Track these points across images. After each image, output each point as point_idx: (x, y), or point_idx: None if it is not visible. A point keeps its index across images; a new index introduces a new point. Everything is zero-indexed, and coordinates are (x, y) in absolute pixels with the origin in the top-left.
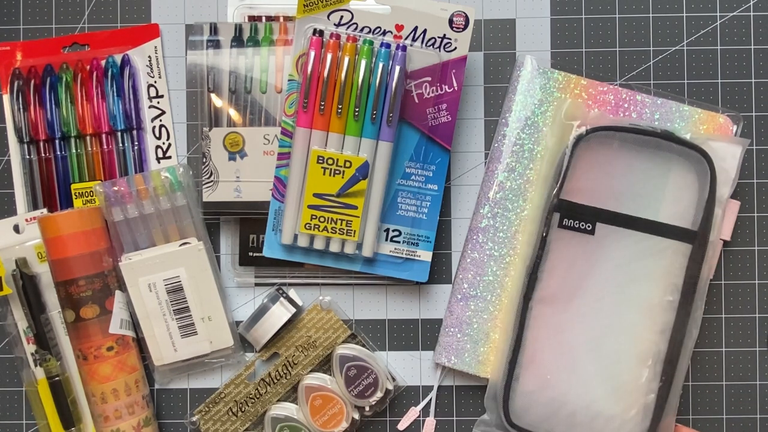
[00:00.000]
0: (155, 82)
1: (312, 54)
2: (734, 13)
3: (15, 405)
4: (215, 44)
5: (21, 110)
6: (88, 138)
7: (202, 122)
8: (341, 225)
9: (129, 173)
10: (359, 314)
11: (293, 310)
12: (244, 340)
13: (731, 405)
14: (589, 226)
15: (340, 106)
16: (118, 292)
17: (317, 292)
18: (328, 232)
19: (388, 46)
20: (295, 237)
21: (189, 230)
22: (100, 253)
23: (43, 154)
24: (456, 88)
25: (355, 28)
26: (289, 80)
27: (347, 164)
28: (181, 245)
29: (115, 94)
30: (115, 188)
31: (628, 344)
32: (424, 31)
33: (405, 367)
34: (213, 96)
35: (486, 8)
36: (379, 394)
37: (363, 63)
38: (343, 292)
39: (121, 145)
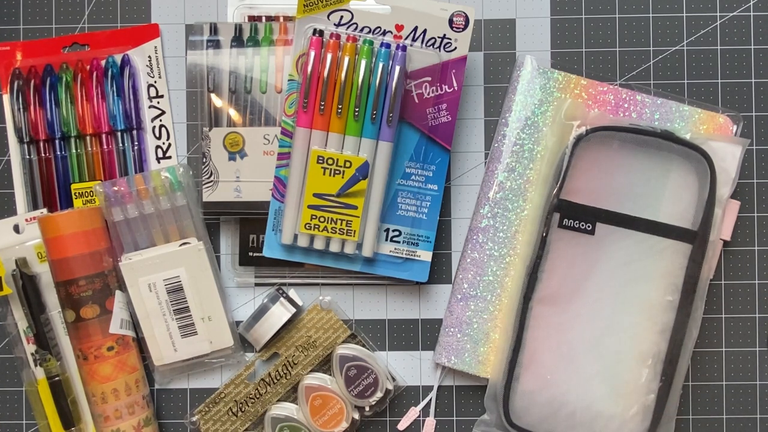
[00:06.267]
0: (155, 82)
1: (312, 54)
2: (734, 13)
3: (15, 405)
4: (215, 44)
5: (21, 110)
6: (88, 138)
7: (202, 122)
8: (341, 225)
9: (129, 173)
10: (359, 314)
11: (293, 310)
12: (244, 340)
13: (731, 405)
14: (589, 226)
15: (340, 106)
16: (118, 292)
17: (317, 292)
18: (328, 232)
19: (388, 46)
20: (295, 237)
21: (189, 230)
22: (100, 253)
23: (43, 154)
24: (456, 88)
25: (355, 28)
26: (289, 80)
27: (347, 164)
28: (181, 245)
29: (115, 94)
30: (115, 188)
31: (628, 344)
32: (424, 31)
33: (405, 367)
34: (213, 96)
35: (486, 8)
36: (379, 394)
37: (363, 63)
38: (343, 292)
39: (121, 145)
